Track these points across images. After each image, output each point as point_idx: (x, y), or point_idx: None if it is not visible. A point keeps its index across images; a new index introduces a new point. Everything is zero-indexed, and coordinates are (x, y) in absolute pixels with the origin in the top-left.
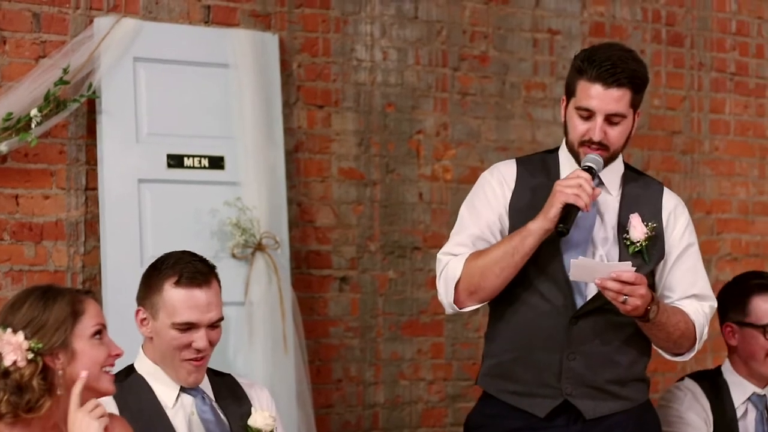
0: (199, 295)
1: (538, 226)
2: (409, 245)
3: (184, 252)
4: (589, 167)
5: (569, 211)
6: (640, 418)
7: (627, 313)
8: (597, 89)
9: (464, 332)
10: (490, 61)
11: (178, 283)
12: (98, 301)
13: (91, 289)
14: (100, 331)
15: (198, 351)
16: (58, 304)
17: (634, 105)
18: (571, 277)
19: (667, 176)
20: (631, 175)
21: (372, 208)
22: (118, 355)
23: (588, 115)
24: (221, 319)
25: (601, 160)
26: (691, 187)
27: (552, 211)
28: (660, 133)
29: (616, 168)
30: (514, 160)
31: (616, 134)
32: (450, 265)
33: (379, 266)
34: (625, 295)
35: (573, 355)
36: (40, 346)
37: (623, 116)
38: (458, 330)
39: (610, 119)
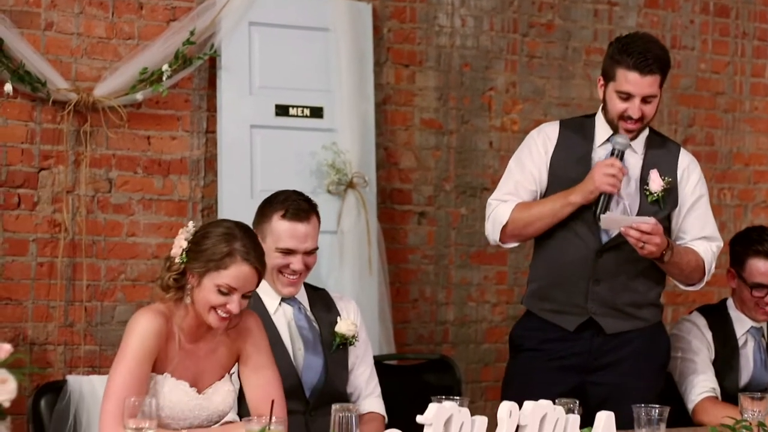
0: (300, 227)
1: (578, 201)
2: (479, 186)
3: (293, 191)
4: (620, 152)
5: (605, 199)
6: (652, 335)
7: (644, 256)
8: (635, 76)
9: (525, 262)
10: (555, 29)
11: (284, 216)
12: (261, 275)
13: (261, 267)
14: (225, 291)
15: (294, 272)
16: (220, 248)
17: (662, 84)
18: (603, 226)
19: (710, 132)
20: (653, 137)
21: (448, 153)
22: (228, 314)
23: (627, 97)
24: (316, 248)
25: (627, 141)
26: (731, 142)
27: (591, 196)
28: (705, 94)
29: (642, 132)
30: (558, 121)
31: (649, 110)
32: (498, 209)
33: (453, 204)
34: (643, 242)
35: (598, 281)
36: (185, 259)
37: (655, 96)
38: (520, 260)
39: (645, 99)
